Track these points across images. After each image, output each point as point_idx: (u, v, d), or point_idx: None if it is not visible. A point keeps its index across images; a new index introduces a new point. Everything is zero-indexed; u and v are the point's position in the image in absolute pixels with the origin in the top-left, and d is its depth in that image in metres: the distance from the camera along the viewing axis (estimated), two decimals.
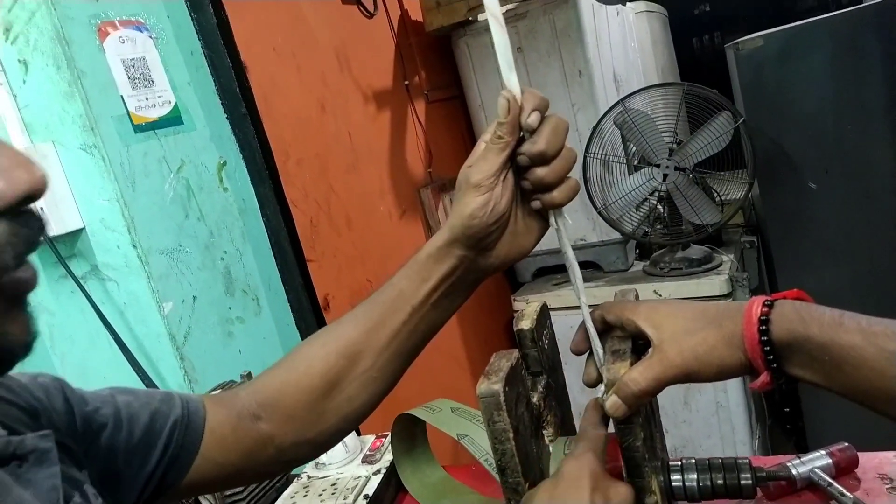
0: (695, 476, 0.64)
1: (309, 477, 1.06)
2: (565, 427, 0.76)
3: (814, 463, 0.82)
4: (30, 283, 0.39)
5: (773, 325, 0.50)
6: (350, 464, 1.06)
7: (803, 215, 2.03)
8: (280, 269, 1.41)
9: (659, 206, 1.96)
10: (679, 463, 0.65)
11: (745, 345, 0.51)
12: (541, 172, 0.56)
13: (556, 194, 0.58)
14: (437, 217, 1.92)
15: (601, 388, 0.59)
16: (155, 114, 1.21)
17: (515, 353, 0.64)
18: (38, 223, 0.39)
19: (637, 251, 2.19)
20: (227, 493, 1.01)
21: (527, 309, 0.74)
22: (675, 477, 0.64)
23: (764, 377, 0.51)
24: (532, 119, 0.55)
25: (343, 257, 1.61)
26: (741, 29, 2.33)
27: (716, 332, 0.53)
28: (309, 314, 1.42)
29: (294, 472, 1.13)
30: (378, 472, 1.01)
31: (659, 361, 0.54)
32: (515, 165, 0.58)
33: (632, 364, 0.56)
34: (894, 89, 1.86)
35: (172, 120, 1.24)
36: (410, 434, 1.06)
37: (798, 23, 1.90)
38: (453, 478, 1.04)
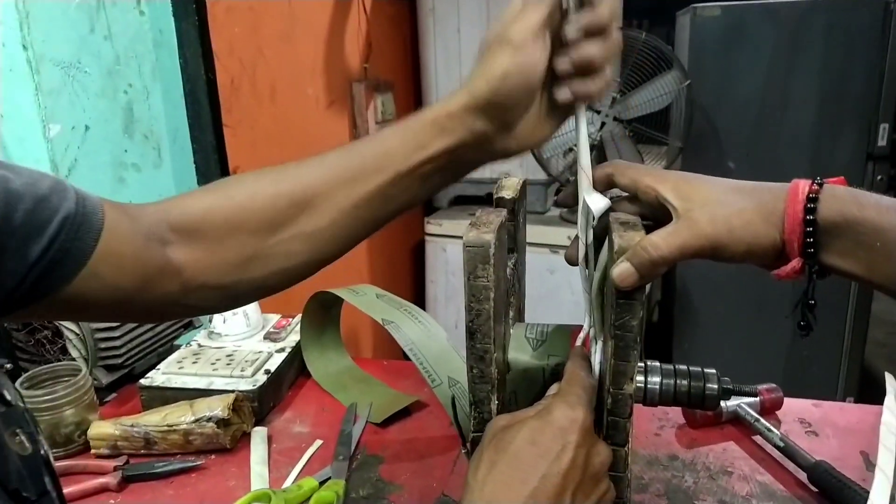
0: (658, 379, 0.59)
1: (200, 345, 0.94)
2: (520, 316, 0.70)
3: (742, 399, 0.81)
4: None
5: (822, 205, 0.45)
6: (250, 339, 0.95)
7: None
8: (191, 124, 1.24)
9: None
10: (643, 364, 0.60)
11: (785, 224, 0.46)
12: (591, 49, 0.47)
13: (592, 83, 0.49)
14: (366, 116, 1.79)
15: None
16: None
17: (503, 212, 0.56)
18: None
19: (556, 197, 2.17)
20: (102, 346, 0.87)
21: (507, 181, 0.66)
22: (638, 378, 0.59)
23: (794, 264, 0.46)
24: None
25: (261, 131, 1.46)
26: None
27: (754, 206, 0.47)
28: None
29: (182, 339, 1.00)
30: (282, 350, 0.91)
31: (687, 227, 0.48)
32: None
33: None
34: (824, 87, 1.93)
35: None
36: (322, 318, 0.97)
37: (757, 1, 1.91)
38: (361, 369, 0.96)
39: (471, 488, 0.47)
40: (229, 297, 0.57)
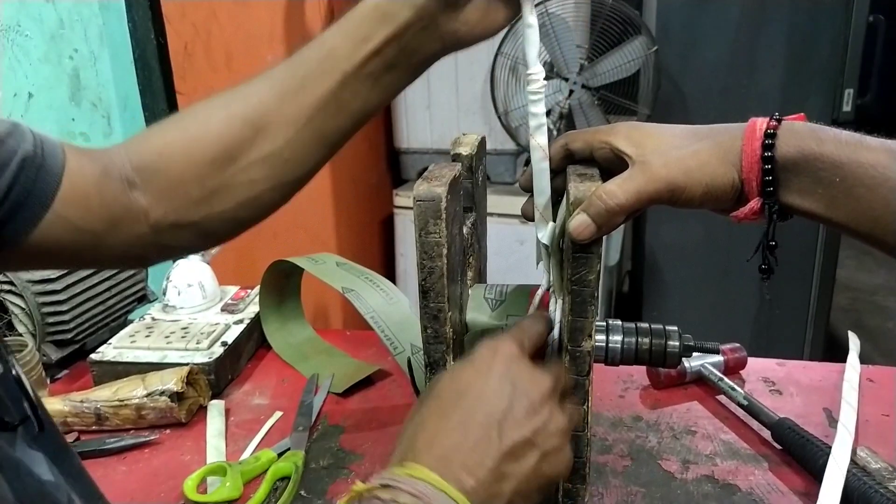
0: (619, 338, 0.58)
1: (154, 318, 0.90)
2: (481, 278, 0.68)
3: (705, 359, 0.81)
4: None
5: (780, 141, 0.43)
6: (207, 311, 0.92)
7: None
8: (142, 91, 1.19)
9: (552, 127, 1.92)
10: (604, 323, 0.59)
11: (743, 162, 0.44)
12: None
13: None
14: None
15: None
16: None
17: (458, 166, 0.54)
18: None
19: (525, 167, 2.15)
20: (50, 321, 0.84)
21: (465, 138, 0.64)
22: (600, 337, 0.58)
23: (753, 204, 0.44)
24: None
25: None
26: None
27: (710, 146, 0.45)
28: None
29: (135, 313, 0.97)
30: (240, 322, 0.88)
31: (641, 173, 0.46)
32: None
33: None
34: (791, 53, 1.93)
35: None
36: (281, 288, 0.94)
37: None
38: (322, 339, 0.94)
39: (398, 438, 0.44)
40: (203, 234, 0.54)
